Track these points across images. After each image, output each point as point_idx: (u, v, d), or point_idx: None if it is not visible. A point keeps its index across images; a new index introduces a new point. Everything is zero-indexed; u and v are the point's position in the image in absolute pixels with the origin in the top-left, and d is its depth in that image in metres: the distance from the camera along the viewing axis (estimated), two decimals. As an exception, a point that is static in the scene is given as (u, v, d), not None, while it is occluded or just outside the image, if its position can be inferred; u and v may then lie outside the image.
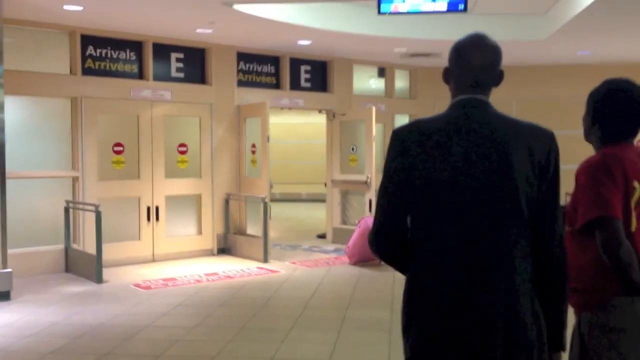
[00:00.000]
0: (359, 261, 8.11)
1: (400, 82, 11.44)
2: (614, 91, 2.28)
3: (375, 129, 9.40)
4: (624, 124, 2.26)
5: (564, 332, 1.81)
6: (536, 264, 1.77)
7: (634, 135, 2.28)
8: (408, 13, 7.18)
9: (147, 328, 5.43)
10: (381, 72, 11.18)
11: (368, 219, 8.35)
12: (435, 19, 8.53)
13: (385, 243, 1.86)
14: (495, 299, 1.71)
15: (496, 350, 1.69)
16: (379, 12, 6.99)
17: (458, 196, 1.75)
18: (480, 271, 1.72)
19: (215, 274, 7.68)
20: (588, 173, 2.18)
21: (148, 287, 6.94)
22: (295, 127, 16.99)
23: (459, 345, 1.72)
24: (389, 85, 11.14)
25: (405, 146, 1.80)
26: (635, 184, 2.14)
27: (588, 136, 2.36)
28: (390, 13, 6.99)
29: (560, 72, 10.92)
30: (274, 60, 9.86)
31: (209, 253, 8.95)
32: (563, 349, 1.81)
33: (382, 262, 2.48)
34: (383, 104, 10.77)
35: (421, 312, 1.77)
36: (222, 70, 9.16)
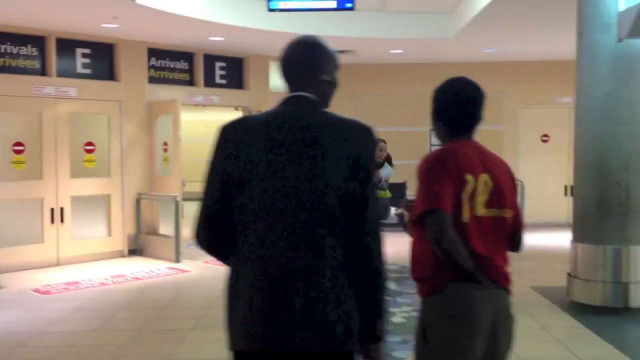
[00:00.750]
0: None
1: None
2: (449, 90, 2.40)
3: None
4: (459, 121, 2.36)
5: (380, 324, 1.82)
6: (349, 258, 1.77)
7: (471, 130, 2.36)
8: (297, 10, 7.20)
9: (41, 334, 5.21)
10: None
11: None
12: (351, 16, 8.58)
13: (206, 234, 1.85)
14: (303, 297, 1.71)
15: (297, 346, 1.69)
16: (268, 8, 6.97)
17: (272, 192, 1.75)
18: (289, 266, 1.73)
19: (123, 275, 7.46)
20: (424, 168, 2.27)
21: (48, 292, 6.66)
22: (211, 124, 16.70)
23: (267, 342, 1.71)
24: (306, 82, 11.13)
25: (227, 140, 1.83)
26: (468, 177, 2.23)
27: (435, 132, 2.45)
28: (280, 9, 6.98)
29: (468, 70, 11.12)
30: (188, 57, 9.69)
31: (120, 255, 8.70)
32: (379, 339, 1.82)
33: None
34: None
35: (237, 304, 1.77)
36: (131, 66, 8.92)
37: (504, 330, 2.28)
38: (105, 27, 8.09)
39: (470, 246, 2.19)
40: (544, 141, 11.58)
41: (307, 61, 1.90)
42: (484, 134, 10.75)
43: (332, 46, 1.98)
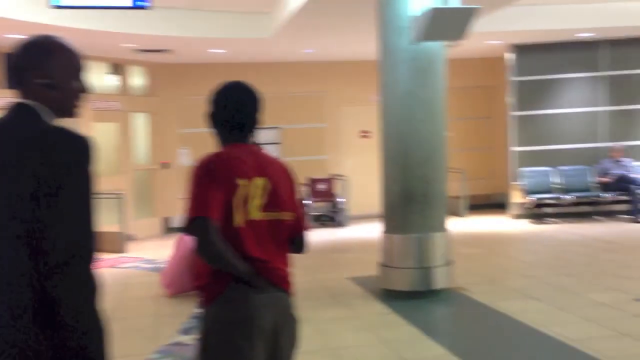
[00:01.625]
0: (180, 292, 6.14)
1: (139, 79, 11.07)
2: (223, 94, 2.37)
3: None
4: (233, 125, 2.35)
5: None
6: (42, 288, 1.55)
7: (246, 134, 2.38)
8: (84, 7, 6.86)
9: None
10: (116, 69, 10.70)
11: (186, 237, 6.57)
12: (167, 15, 8.36)
13: None
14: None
15: None
16: (49, 4, 6.55)
17: None
18: None
19: None
20: (193, 173, 2.25)
21: None
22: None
23: None
24: (124, 82, 10.70)
25: None
26: (240, 181, 2.24)
27: (214, 135, 2.43)
28: (61, 6, 6.58)
29: (289, 69, 11.50)
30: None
31: None
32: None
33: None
34: (118, 101, 10.31)
35: None
36: None
37: (287, 333, 2.31)
38: None
39: (244, 250, 2.20)
40: (364, 137, 12.17)
41: (13, 60, 1.71)
42: (308, 132, 11.09)
43: (72, 43, 1.78)
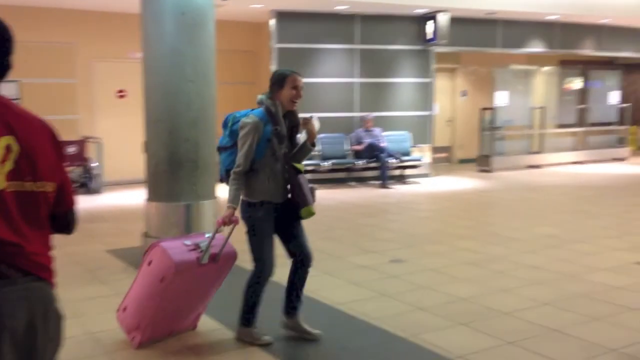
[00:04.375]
0: (151, 339, 3.92)
1: None
2: None
3: None
4: None
5: None
6: None
7: None
8: None
9: None
10: None
11: (166, 243, 3.86)
12: None
13: None
14: None
15: None
16: None
17: None
18: None
19: None
20: None
21: None
22: None
23: None
24: None
25: None
26: None
27: None
28: None
29: (27, 14, 10.09)
30: None
31: None
32: None
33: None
34: None
35: None
36: None
37: (46, 332, 1.84)
38: None
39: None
40: (121, 97, 11.27)
41: None
42: (54, 88, 9.76)
43: None
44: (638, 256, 6.07)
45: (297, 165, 3.86)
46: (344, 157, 11.31)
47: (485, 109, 13.46)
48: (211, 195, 5.88)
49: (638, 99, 16.35)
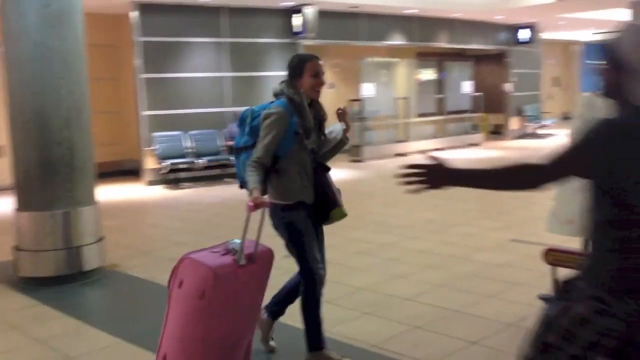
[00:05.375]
0: None
1: None
2: None
3: None
4: None
5: None
6: None
7: None
8: None
9: None
10: None
11: (193, 254, 3.15)
12: None
13: None
14: None
15: None
16: None
17: None
18: None
19: None
20: None
21: None
22: None
23: None
24: None
25: None
26: None
27: None
28: None
29: None
30: None
31: None
32: None
33: None
34: None
35: None
36: None
37: None
38: None
39: None
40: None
41: None
42: None
43: None
44: (512, 234, 6.50)
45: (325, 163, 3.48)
46: (217, 153, 11.06)
47: (353, 100, 13.79)
48: (91, 200, 5.45)
49: (487, 88, 17.56)
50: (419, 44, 15.01)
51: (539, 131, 17.70)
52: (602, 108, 3.71)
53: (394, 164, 12.83)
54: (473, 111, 16.70)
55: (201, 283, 2.94)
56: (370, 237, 6.63)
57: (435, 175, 1.93)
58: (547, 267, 3.47)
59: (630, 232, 1.79)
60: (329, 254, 5.91)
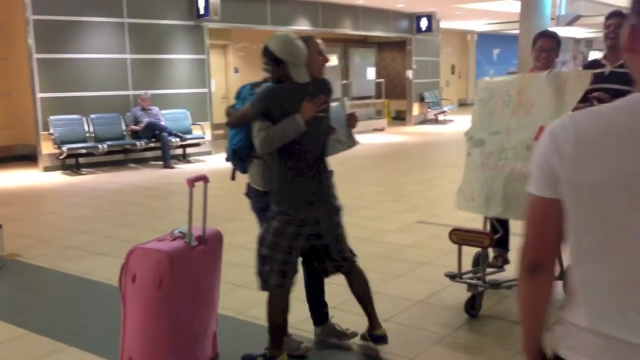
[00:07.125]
0: None
1: None
2: None
3: None
4: None
5: None
6: None
7: None
8: None
9: None
10: None
11: (141, 245, 3.09)
12: None
13: None
14: None
15: None
16: None
17: None
18: None
19: None
20: None
21: None
22: None
23: None
24: None
25: None
26: None
27: None
28: None
29: None
30: None
31: None
32: None
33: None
34: None
35: None
36: None
37: None
38: None
39: None
40: None
41: None
42: None
43: None
44: (417, 216, 6.77)
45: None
46: (121, 138, 10.70)
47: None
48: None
49: (389, 74, 18.05)
50: (324, 29, 15.15)
51: (440, 117, 18.42)
52: (499, 90, 3.96)
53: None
54: (377, 97, 17.11)
55: (157, 270, 2.85)
56: (281, 221, 6.68)
57: None
58: (452, 247, 3.67)
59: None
60: (240, 238, 5.93)
